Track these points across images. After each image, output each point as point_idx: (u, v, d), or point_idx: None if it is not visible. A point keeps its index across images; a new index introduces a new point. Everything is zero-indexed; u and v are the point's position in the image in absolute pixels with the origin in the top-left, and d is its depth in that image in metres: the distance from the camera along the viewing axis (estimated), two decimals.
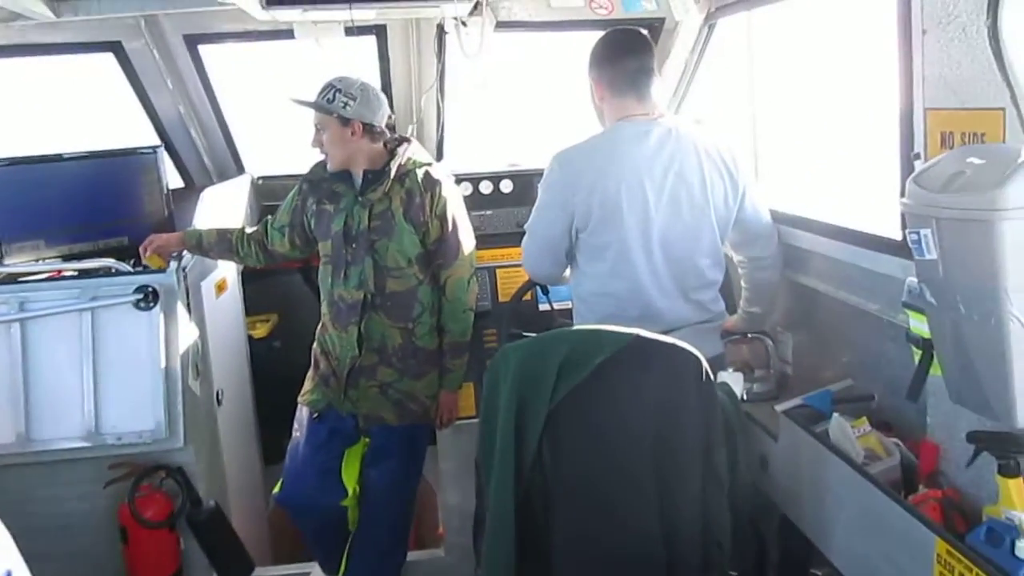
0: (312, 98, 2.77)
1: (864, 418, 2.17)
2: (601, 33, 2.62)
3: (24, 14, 2.97)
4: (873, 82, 2.64)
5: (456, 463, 3.16)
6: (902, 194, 1.63)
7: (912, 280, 1.80)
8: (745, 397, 2.57)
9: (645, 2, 3.24)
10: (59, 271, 2.93)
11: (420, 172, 2.83)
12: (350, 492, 2.96)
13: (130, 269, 2.87)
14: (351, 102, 2.74)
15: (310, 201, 2.94)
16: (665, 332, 2.15)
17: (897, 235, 2.11)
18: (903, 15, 1.94)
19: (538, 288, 3.12)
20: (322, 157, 2.88)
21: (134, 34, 3.35)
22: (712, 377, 1.94)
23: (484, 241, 3.27)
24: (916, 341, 1.83)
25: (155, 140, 3.72)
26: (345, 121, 2.75)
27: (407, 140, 2.91)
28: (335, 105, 2.74)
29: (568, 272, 2.65)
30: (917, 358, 1.84)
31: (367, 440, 2.97)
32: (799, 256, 2.70)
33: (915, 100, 1.91)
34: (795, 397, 2.44)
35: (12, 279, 2.85)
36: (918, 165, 1.87)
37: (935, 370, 1.78)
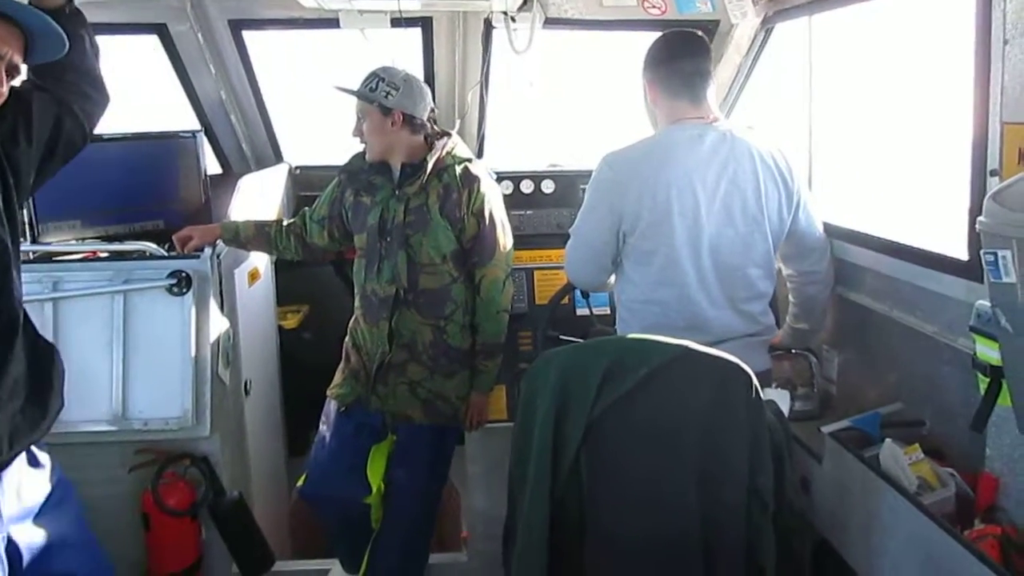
0: (355, 87, 2.72)
1: (917, 445, 2.08)
2: (652, 34, 2.56)
3: None
4: (942, 93, 2.54)
5: (484, 467, 3.10)
6: (975, 212, 1.55)
7: (982, 303, 1.71)
8: (787, 415, 2.49)
9: (700, 3, 3.15)
10: (94, 252, 2.92)
11: (459, 168, 2.78)
12: (374, 489, 2.91)
13: (164, 253, 2.85)
14: (393, 92, 2.70)
15: (348, 193, 2.90)
16: (712, 343, 2.08)
17: (963, 255, 2.01)
18: (982, 24, 1.85)
19: (577, 291, 3.04)
20: (361, 148, 2.84)
21: (179, 17, 3.33)
22: (761, 394, 1.86)
23: (523, 241, 3.20)
24: (983, 368, 1.74)
25: (195, 124, 3.69)
26: (386, 111, 2.71)
27: (447, 134, 2.85)
28: (377, 94, 2.70)
29: (612, 279, 2.57)
30: (984, 386, 1.74)
31: (394, 438, 2.92)
32: (851, 272, 2.61)
33: (992, 113, 1.83)
34: (839, 418, 2.35)
35: (47, 258, 2.84)
36: (994, 182, 1.78)
37: (1003, 400, 1.69)
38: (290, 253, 3.07)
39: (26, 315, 1.90)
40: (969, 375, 1.85)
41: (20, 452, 1.83)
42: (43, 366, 1.89)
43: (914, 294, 2.30)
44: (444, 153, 2.78)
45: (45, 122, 1.91)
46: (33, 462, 1.90)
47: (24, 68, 1.75)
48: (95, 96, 2.05)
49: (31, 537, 1.83)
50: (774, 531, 1.86)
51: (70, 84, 1.98)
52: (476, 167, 2.83)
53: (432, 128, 2.82)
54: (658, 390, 1.83)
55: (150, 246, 2.85)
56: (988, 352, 1.71)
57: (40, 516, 1.87)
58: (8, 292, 1.80)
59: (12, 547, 1.79)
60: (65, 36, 1.74)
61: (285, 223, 3.06)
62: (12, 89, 1.87)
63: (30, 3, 1.79)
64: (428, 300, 2.78)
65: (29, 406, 1.83)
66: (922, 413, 2.30)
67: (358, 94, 2.73)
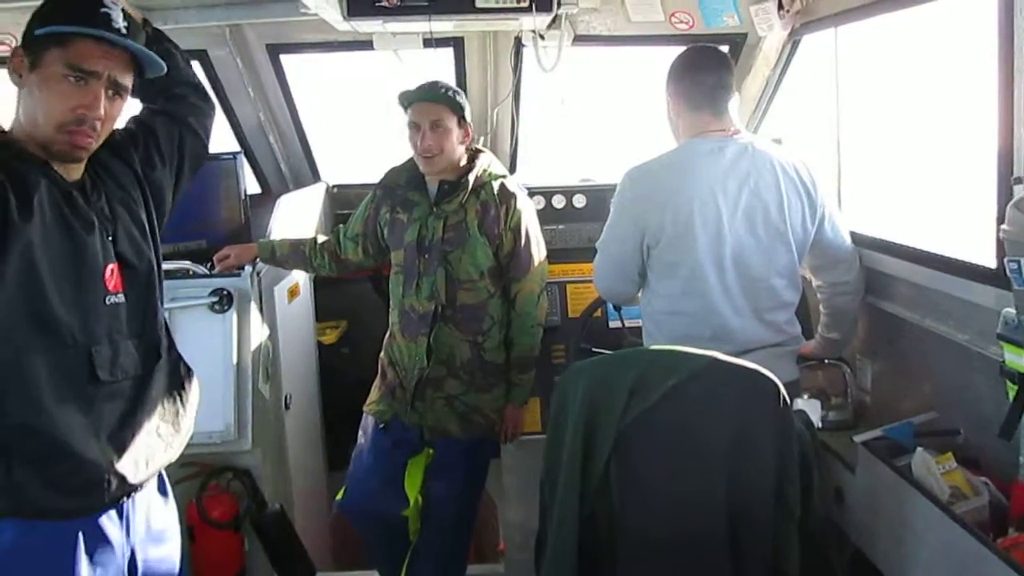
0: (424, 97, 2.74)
1: (949, 454, 2.06)
2: (681, 49, 2.58)
3: None
4: (969, 102, 2.53)
5: (519, 479, 3.12)
6: (1000, 220, 1.55)
7: (1009, 311, 1.71)
8: (820, 425, 2.50)
9: (727, 17, 3.17)
10: None
11: (495, 184, 2.82)
12: (412, 502, 2.95)
13: (206, 272, 2.93)
14: (467, 104, 2.75)
15: (383, 210, 2.94)
16: (738, 353, 2.09)
17: (992, 263, 2.00)
18: (1005, 31, 1.85)
19: (609, 304, 3.07)
20: (398, 163, 2.89)
21: (219, 43, 3.42)
22: (790, 404, 1.87)
23: (555, 256, 3.24)
24: (1011, 376, 1.74)
25: (235, 146, 3.79)
26: (462, 122, 2.76)
27: (480, 151, 2.90)
28: (461, 103, 2.74)
29: (641, 293, 2.60)
30: (1012, 394, 1.74)
31: (430, 451, 2.96)
32: (882, 281, 2.60)
33: (1016, 121, 1.82)
34: (873, 427, 2.34)
35: None
36: (1019, 190, 1.78)
37: None
38: (324, 270, 3.13)
39: (171, 339, 1.95)
40: (1001, 383, 1.84)
41: (155, 473, 1.87)
42: (180, 389, 1.94)
43: (945, 302, 2.29)
44: (481, 171, 2.83)
45: (171, 141, 2.00)
46: (162, 489, 1.96)
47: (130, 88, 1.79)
48: (203, 106, 2.14)
49: (151, 564, 1.87)
50: (801, 539, 1.86)
51: (180, 98, 2.06)
52: (512, 184, 2.87)
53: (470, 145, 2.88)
54: (686, 401, 1.85)
55: (192, 265, 2.94)
56: (1016, 359, 1.71)
57: (162, 543, 1.91)
58: (154, 314, 1.88)
59: (132, 567, 1.82)
60: (159, 59, 1.79)
61: (320, 240, 3.12)
62: (135, 117, 1.98)
63: None
64: (466, 316, 2.82)
65: (165, 427, 1.86)
66: (956, 422, 2.28)
67: (449, 101, 2.74)
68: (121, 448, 1.74)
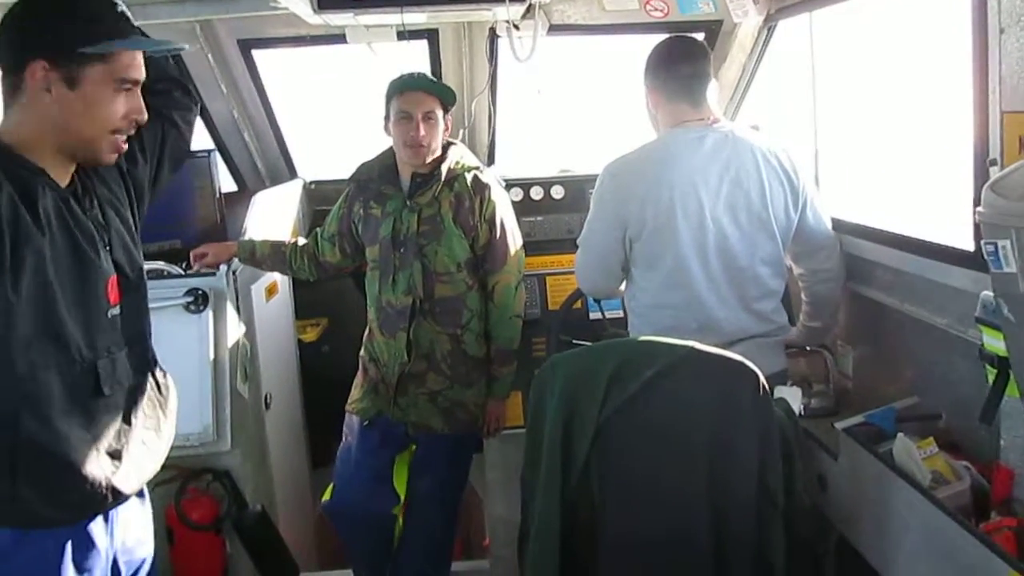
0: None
1: (931, 438, 2.05)
2: (656, 37, 2.56)
3: None
4: (946, 84, 2.53)
5: (503, 473, 3.11)
6: (977, 202, 1.54)
7: (987, 294, 1.70)
8: (803, 412, 2.48)
9: (702, 3, 3.15)
10: None
11: (469, 176, 2.80)
12: (402, 498, 2.93)
13: (181, 272, 2.90)
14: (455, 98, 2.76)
15: (357, 206, 2.92)
16: (726, 345, 2.08)
17: (970, 246, 2.00)
18: (978, 13, 1.84)
19: (588, 296, 3.05)
20: (369, 158, 2.86)
21: (190, 39, 3.37)
22: (769, 392, 1.86)
23: (534, 248, 3.22)
24: (991, 359, 1.73)
25: (209, 144, 3.75)
26: (446, 115, 2.75)
27: (452, 143, 2.87)
28: (452, 96, 2.75)
29: (623, 286, 2.58)
30: (991, 378, 1.73)
31: (414, 447, 2.94)
32: (862, 267, 2.59)
33: (991, 103, 1.81)
34: (856, 414, 2.32)
35: None
36: (994, 172, 1.77)
37: (1011, 391, 1.68)
38: (304, 273, 3.10)
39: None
40: (981, 367, 1.83)
41: (145, 481, 1.84)
42: (160, 395, 1.91)
43: (924, 287, 2.28)
44: (454, 163, 2.80)
45: (153, 137, 1.95)
46: (139, 492, 1.91)
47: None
48: (186, 101, 2.09)
49: (131, 566, 1.85)
50: (785, 528, 1.86)
51: (164, 94, 2.01)
52: (485, 175, 2.85)
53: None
54: (665, 392, 1.84)
55: (166, 265, 2.89)
56: (994, 343, 1.70)
57: (141, 545, 1.89)
58: (143, 320, 1.84)
59: (115, 571, 1.81)
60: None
61: (300, 243, 3.09)
62: None
63: None
64: (444, 309, 2.80)
65: (150, 435, 1.83)
66: (938, 406, 2.27)
67: (445, 93, 2.73)
68: (117, 461, 1.73)
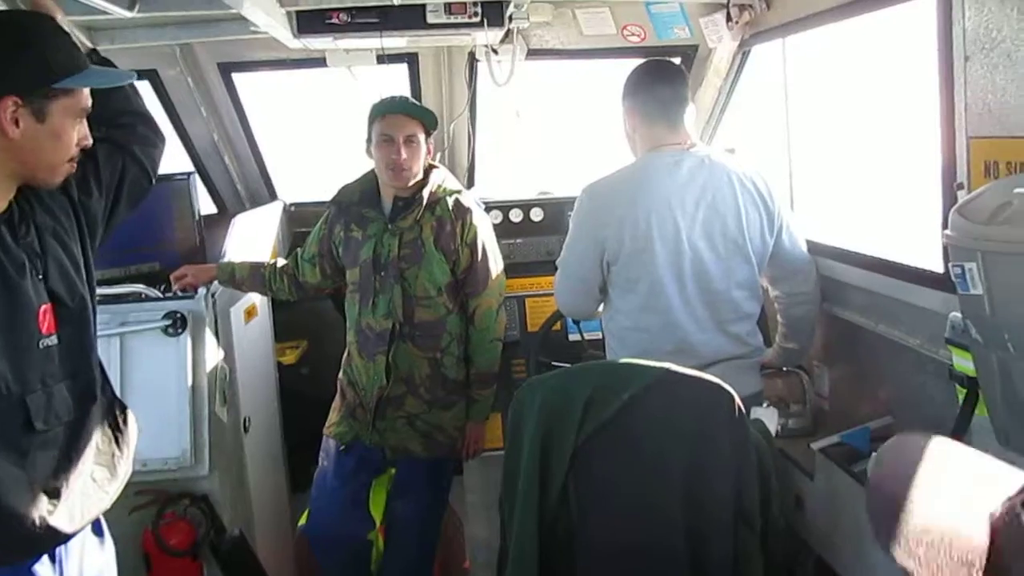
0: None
1: None
2: (633, 61, 2.60)
3: None
4: (914, 110, 2.58)
5: (482, 495, 3.10)
6: (944, 226, 1.57)
7: (956, 315, 1.73)
8: (779, 433, 2.51)
9: (678, 29, 3.21)
10: None
11: (450, 200, 2.81)
12: (377, 523, 2.92)
13: (159, 295, 2.88)
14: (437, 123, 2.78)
15: (338, 228, 2.92)
16: (702, 367, 2.10)
17: (939, 268, 2.03)
18: (944, 41, 1.88)
19: (568, 318, 3.07)
20: (350, 180, 2.87)
21: (170, 62, 3.39)
22: (745, 413, 1.88)
23: (513, 270, 3.23)
24: (960, 379, 1.76)
25: (189, 166, 3.74)
26: (428, 139, 2.76)
27: (434, 166, 2.88)
28: (434, 120, 2.76)
29: (601, 308, 2.60)
30: (961, 397, 1.76)
31: (393, 471, 2.93)
32: (836, 288, 2.63)
33: (957, 129, 1.85)
34: (831, 434, 2.36)
35: None
36: (961, 196, 1.80)
37: (980, 410, 1.70)
38: (284, 294, 3.09)
39: (105, 376, 1.87)
40: (952, 386, 1.86)
41: (91, 520, 1.78)
42: (116, 429, 1.85)
43: (896, 308, 2.32)
44: (436, 186, 2.81)
45: (112, 170, 1.91)
46: (98, 530, 1.87)
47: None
48: (151, 137, 2.06)
49: None
50: (762, 548, 1.87)
51: (128, 127, 1.99)
52: (467, 198, 2.86)
53: None
54: (642, 413, 1.85)
55: (145, 288, 2.88)
56: (963, 363, 1.73)
57: None
58: (88, 352, 1.78)
59: None
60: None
61: (279, 264, 3.08)
62: None
63: None
64: (424, 333, 2.79)
65: (101, 471, 1.78)
66: (912, 425, 2.30)
67: (424, 117, 2.75)
68: (55, 499, 1.66)
